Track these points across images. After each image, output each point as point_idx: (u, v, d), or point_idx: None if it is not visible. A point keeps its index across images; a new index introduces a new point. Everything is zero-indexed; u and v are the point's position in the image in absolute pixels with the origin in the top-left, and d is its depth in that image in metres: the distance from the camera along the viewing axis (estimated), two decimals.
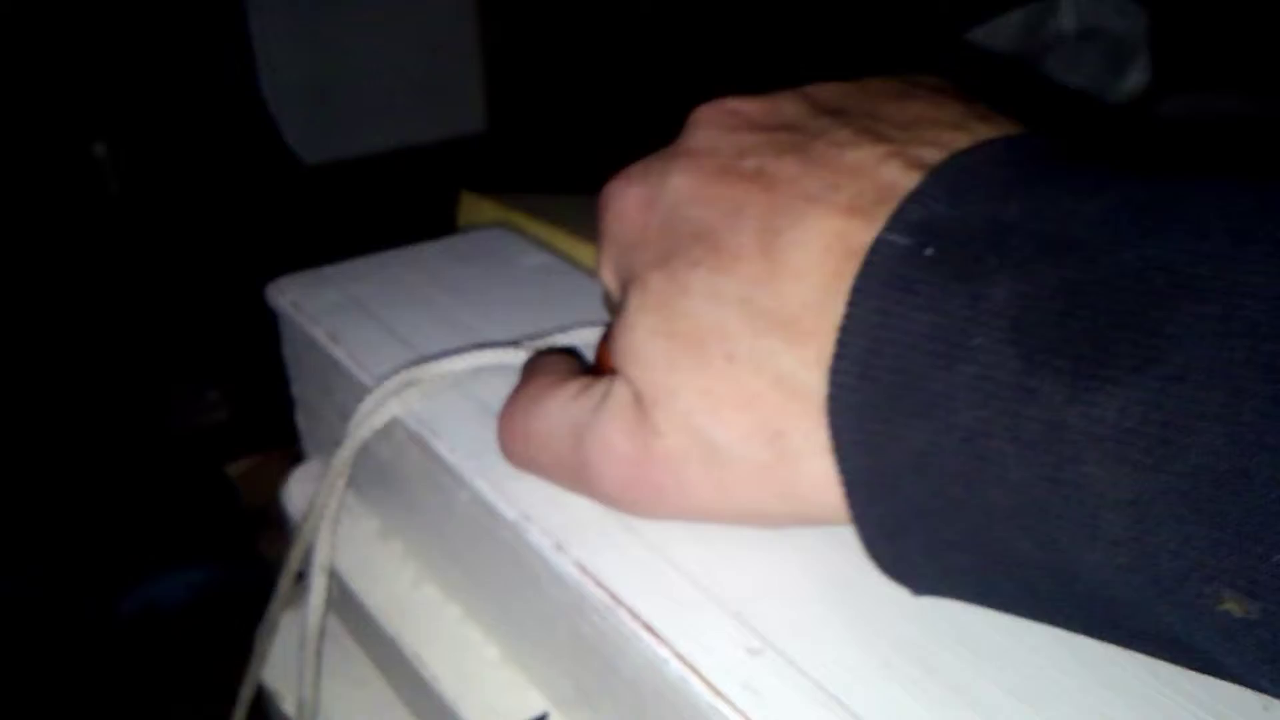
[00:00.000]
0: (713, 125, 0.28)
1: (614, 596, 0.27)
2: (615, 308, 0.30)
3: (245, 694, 0.39)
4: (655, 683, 0.26)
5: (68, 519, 0.97)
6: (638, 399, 0.27)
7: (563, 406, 0.29)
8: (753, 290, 0.25)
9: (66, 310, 1.01)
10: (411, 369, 0.35)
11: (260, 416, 1.00)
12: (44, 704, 0.87)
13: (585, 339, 0.36)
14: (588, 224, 0.50)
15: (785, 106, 0.28)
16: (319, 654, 0.36)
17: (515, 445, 0.31)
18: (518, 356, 0.35)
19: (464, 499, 0.32)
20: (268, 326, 0.44)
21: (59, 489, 0.98)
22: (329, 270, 0.44)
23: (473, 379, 0.35)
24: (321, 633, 0.36)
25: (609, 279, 0.30)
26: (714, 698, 0.24)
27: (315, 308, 0.41)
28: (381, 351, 0.38)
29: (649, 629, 0.26)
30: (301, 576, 0.38)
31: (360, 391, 0.36)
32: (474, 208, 0.60)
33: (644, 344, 0.26)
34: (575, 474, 0.29)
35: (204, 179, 1.01)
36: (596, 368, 0.31)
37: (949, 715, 0.23)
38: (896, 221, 0.23)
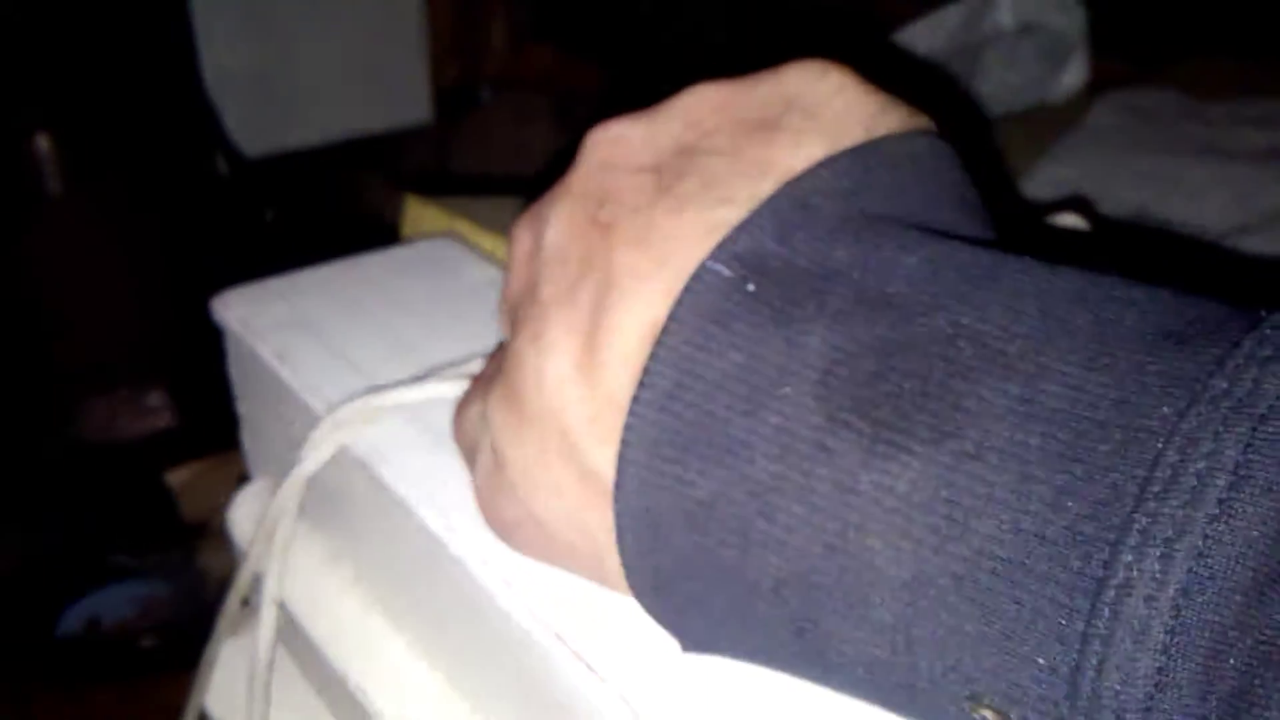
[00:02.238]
0: (595, 158, 0.26)
1: (562, 639, 0.27)
2: None
3: None
4: None
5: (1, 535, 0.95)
6: (496, 457, 0.27)
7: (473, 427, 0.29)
8: (572, 376, 0.24)
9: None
10: (364, 399, 0.34)
11: (204, 421, 0.99)
12: None
13: None
14: None
15: (664, 130, 0.25)
16: (268, 689, 0.36)
17: (456, 435, 0.32)
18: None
19: (411, 529, 0.32)
20: (213, 328, 0.44)
21: None
22: (275, 284, 0.44)
23: (423, 405, 0.35)
24: (271, 667, 0.36)
25: (503, 325, 0.28)
26: None
27: (262, 324, 0.41)
28: (329, 374, 0.37)
29: (597, 674, 0.26)
30: (246, 603, 0.38)
31: (306, 415, 0.36)
32: (419, 214, 0.59)
33: (494, 408, 0.26)
34: None
35: (145, 172, 0.99)
36: None
37: None
38: (722, 251, 0.22)
